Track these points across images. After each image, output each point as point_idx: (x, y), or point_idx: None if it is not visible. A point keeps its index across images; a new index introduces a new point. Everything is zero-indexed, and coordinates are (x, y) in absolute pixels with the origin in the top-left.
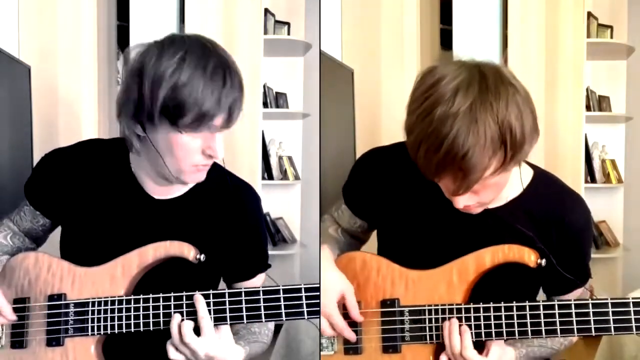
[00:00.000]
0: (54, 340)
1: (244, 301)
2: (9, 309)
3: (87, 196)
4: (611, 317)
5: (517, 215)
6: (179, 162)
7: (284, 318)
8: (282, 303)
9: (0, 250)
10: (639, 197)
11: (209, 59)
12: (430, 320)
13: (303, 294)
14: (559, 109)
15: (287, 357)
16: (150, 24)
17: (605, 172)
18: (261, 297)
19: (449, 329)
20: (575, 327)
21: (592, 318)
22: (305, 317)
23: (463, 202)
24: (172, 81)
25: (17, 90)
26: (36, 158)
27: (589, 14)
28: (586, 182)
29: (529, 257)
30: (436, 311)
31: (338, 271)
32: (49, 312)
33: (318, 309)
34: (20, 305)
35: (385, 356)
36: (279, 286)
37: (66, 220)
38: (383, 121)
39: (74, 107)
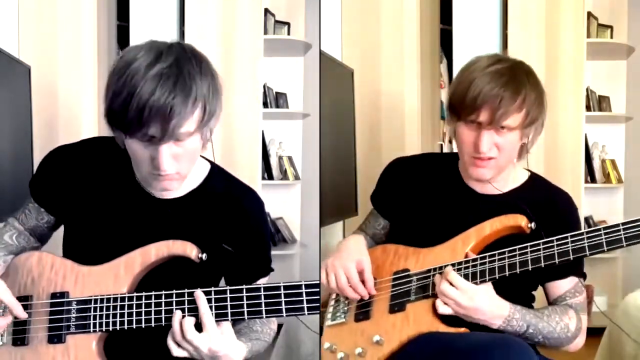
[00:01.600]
0: (55, 337)
1: (245, 298)
2: (20, 307)
3: (89, 194)
4: (604, 238)
5: (517, 200)
6: (137, 166)
7: (284, 314)
8: (283, 299)
9: (5, 250)
10: (639, 197)
11: (155, 65)
12: (434, 276)
13: (303, 290)
14: (559, 109)
15: (287, 357)
16: (150, 24)
17: (605, 172)
18: (262, 293)
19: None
20: (570, 248)
21: (586, 242)
22: (306, 312)
23: (486, 144)
24: (117, 85)
25: (17, 90)
26: (36, 158)
27: (589, 14)
28: (586, 182)
29: (521, 221)
30: (440, 268)
31: (365, 248)
32: (51, 309)
33: (318, 304)
34: (23, 303)
35: (390, 316)
36: (280, 283)
37: (69, 217)
38: (383, 121)
39: (74, 107)
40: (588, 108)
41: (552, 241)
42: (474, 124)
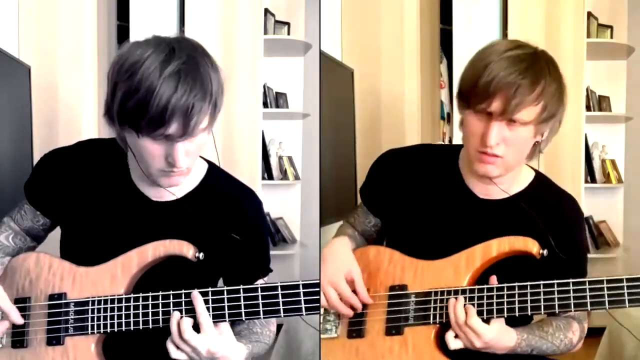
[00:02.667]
0: (54, 339)
1: (242, 298)
2: (16, 313)
3: (85, 197)
4: (606, 293)
5: (520, 206)
6: (147, 165)
7: (282, 315)
8: (280, 300)
9: (2, 252)
10: (639, 197)
11: (169, 62)
12: (435, 301)
13: (301, 290)
14: None
15: (287, 357)
16: (150, 24)
17: (605, 172)
18: (259, 294)
19: (453, 304)
20: (572, 302)
21: (588, 294)
22: (304, 313)
23: (495, 137)
24: (129, 83)
25: (17, 90)
26: (36, 158)
27: (589, 14)
28: (586, 182)
29: (533, 246)
30: (442, 293)
31: (351, 254)
32: (50, 311)
33: (317, 305)
34: (21, 305)
35: (387, 338)
36: (277, 283)
37: (65, 220)
38: (383, 121)
39: (74, 107)
40: (588, 108)
41: (567, 284)
42: (484, 113)
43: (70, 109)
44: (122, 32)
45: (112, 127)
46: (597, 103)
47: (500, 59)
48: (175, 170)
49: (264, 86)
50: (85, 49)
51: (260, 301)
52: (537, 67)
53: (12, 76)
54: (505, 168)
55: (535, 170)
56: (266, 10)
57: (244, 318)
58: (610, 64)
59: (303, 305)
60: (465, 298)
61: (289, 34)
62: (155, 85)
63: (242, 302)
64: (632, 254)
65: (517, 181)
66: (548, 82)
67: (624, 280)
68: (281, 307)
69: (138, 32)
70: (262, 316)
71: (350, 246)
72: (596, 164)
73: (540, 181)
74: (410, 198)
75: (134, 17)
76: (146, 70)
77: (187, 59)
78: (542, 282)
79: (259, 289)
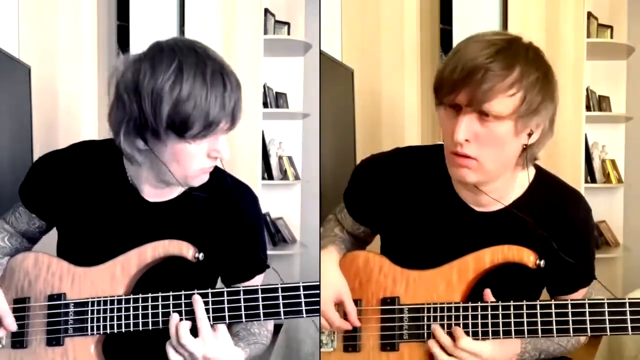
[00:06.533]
0: (54, 340)
1: (242, 300)
2: (11, 318)
3: (81, 199)
4: (607, 317)
5: (520, 216)
6: (185, 169)
7: (282, 317)
8: (281, 302)
9: (0, 252)
10: (639, 197)
11: (206, 64)
12: (428, 318)
13: (302, 292)
14: (559, 109)
15: (287, 357)
16: (150, 24)
17: (605, 172)
18: (260, 295)
19: (435, 334)
20: (571, 326)
21: (588, 318)
22: (304, 315)
23: (463, 131)
24: (174, 96)
25: (17, 90)
26: (36, 158)
27: (589, 14)
28: (586, 182)
29: (528, 257)
30: (434, 309)
31: (339, 273)
32: (49, 312)
33: (317, 307)
34: (21, 305)
35: (383, 354)
36: (278, 285)
37: (62, 223)
38: (383, 121)
39: (74, 107)
40: (588, 108)
41: (566, 306)
42: (453, 107)
43: (70, 109)
44: (122, 32)
45: (133, 139)
46: (597, 103)
47: (470, 42)
48: (214, 163)
49: (264, 86)
50: (85, 49)
51: (260, 303)
52: (509, 52)
53: (12, 76)
54: (484, 174)
55: (537, 168)
56: (266, 10)
57: (244, 320)
58: (610, 64)
59: (304, 308)
60: (458, 316)
61: (289, 34)
62: (204, 92)
63: (242, 304)
64: (632, 254)
65: (514, 186)
66: (525, 69)
67: (627, 305)
68: (281, 309)
69: (138, 32)
70: (262, 318)
71: (338, 256)
72: (596, 164)
73: (542, 180)
74: (398, 208)
75: (134, 17)
76: (189, 80)
77: (212, 58)
78: (539, 302)
79: (259, 291)
